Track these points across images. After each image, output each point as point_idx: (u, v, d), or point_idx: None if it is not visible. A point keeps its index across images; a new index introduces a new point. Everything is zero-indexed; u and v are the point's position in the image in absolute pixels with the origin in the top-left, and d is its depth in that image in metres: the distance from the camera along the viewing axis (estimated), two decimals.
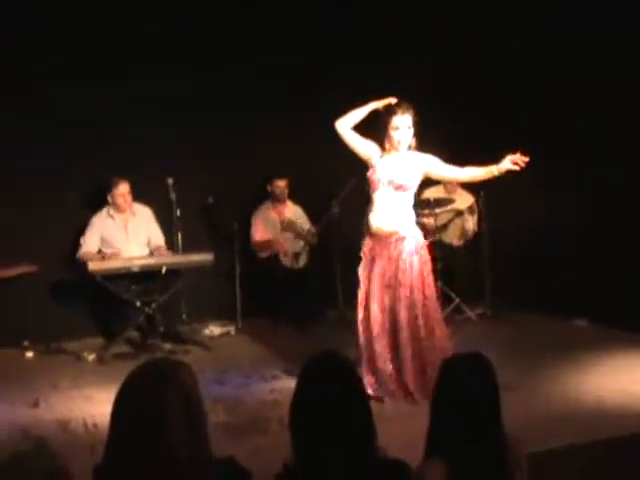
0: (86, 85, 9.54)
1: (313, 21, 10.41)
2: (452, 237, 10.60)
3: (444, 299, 10.18)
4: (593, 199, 9.51)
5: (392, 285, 7.06)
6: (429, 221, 10.33)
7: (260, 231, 10.35)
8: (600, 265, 9.37)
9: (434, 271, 10.14)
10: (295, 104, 10.20)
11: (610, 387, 7.14)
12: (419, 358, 6.97)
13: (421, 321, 6.99)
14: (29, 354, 9.26)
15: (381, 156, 7.19)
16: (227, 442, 5.70)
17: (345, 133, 7.27)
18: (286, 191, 10.44)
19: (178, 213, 9.31)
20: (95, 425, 6.46)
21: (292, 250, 10.32)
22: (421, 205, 10.37)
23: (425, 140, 7.22)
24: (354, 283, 9.56)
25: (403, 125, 7.05)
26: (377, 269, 7.15)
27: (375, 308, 7.10)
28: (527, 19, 10.04)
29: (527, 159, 6.95)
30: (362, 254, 7.33)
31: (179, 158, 9.71)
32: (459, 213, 10.50)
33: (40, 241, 9.33)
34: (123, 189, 9.43)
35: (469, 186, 10.51)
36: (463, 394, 3.29)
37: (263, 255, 10.27)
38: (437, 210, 10.23)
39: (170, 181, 9.30)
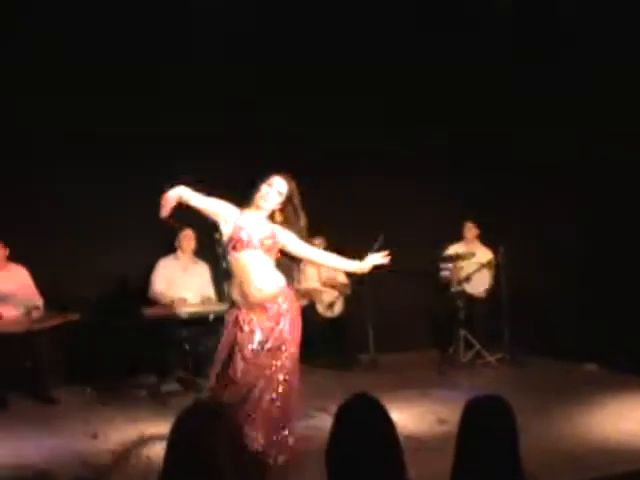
0: (147, 132, 9.72)
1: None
2: (475, 288, 10.58)
3: (466, 345, 10.20)
4: (603, 250, 9.49)
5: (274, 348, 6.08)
6: (450, 274, 10.43)
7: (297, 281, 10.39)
8: (609, 314, 9.32)
9: (458, 319, 10.23)
10: (330, 165, 10.26)
11: (616, 427, 7.11)
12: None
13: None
14: (88, 390, 9.26)
15: (242, 213, 6.31)
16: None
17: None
18: (321, 248, 10.45)
19: (224, 265, 9.30)
20: (148, 457, 6.47)
21: (327, 300, 10.33)
22: (444, 260, 10.47)
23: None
24: (384, 330, 9.59)
25: (275, 186, 6.24)
26: (255, 337, 6.07)
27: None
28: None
29: (387, 259, 6.48)
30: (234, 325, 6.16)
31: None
32: (482, 266, 10.49)
33: (102, 286, 9.41)
34: (188, 233, 9.65)
35: (488, 241, 10.54)
36: (486, 433, 3.27)
37: (301, 303, 10.26)
38: (459, 264, 10.33)
39: (217, 236, 9.30)
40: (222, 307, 9.15)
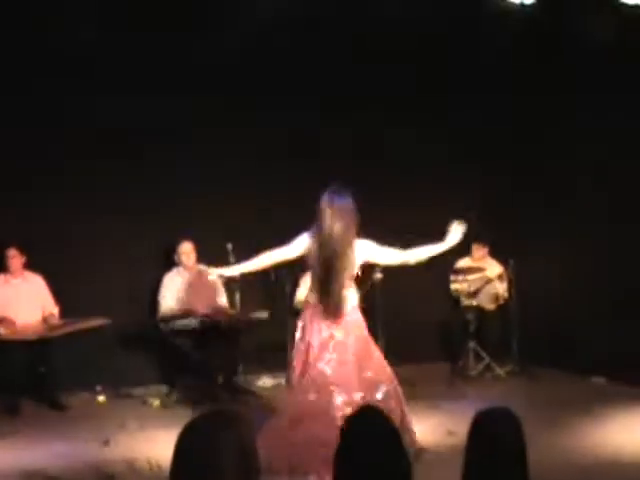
0: (152, 149, 9.74)
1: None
2: (485, 302, 10.55)
3: (476, 358, 10.16)
4: (613, 263, 9.46)
5: None
6: (462, 287, 10.42)
7: (304, 292, 10.35)
8: (617, 327, 9.27)
9: (468, 332, 10.20)
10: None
11: (627, 440, 7.06)
12: None
13: None
14: (100, 398, 9.29)
15: None
16: None
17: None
18: None
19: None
20: (158, 464, 6.46)
21: None
22: (454, 273, 10.47)
23: None
24: (395, 342, 9.57)
25: None
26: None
27: None
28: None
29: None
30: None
31: (239, 224, 9.75)
32: (489, 280, 10.46)
33: (113, 297, 9.41)
34: (186, 248, 9.58)
35: (497, 255, 10.53)
36: (494, 445, 3.25)
37: None
38: (469, 277, 10.32)
39: (229, 246, 9.29)
40: (233, 316, 9.18)
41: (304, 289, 9.73)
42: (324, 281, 6.50)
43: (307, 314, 6.64)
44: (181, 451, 2.70)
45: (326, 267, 6.46)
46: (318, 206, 6.52)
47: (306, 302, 6.75)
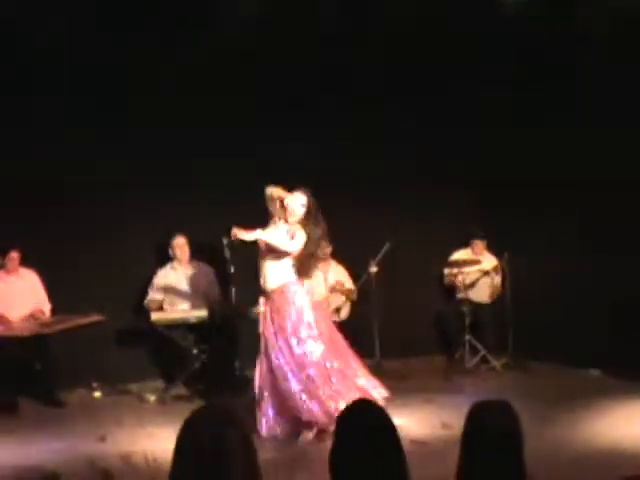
0: (153, 151, 9.75)
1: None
2: (481, 295, 10.57)
3: (471, 351, 10.17)
4: (608, 255, 9.46)
5: None
6: (457, 279, 10.43)
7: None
8: (613, 320, 9.28)
9: (463, 325, 10.21)
10: (332, 175, 10.23)
11: (624, 431, 7.06)
12: None
13: None
14: (97, 394, 9.31)
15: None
16: (274, 478, 5.68)
17: None
18: (327, 251, 10.40)
19: (232, 270, 9.28)
20: (155, 460, 6.47)
21: (334, 305, 10.28)
22: (450, 265, 10.48)
23: None
24: (391, 335, 9.57)
25: (299, 200, 7.50)
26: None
27: None
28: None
29: None
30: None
31: (234, 219, 9.75)
32: (486, 273, 10.49)
33: (109, 293, 9.41)
34: (180, 241, 9.63)
35: (493, 248, 10.53)
36: (490, 437, 3.25)
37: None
38: (464, 270, 10.33)
39: (225, 241, 9.29)
40: (227, 311, 9.17)
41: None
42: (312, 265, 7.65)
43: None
44: (184, 448, 2.68)
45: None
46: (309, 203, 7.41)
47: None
